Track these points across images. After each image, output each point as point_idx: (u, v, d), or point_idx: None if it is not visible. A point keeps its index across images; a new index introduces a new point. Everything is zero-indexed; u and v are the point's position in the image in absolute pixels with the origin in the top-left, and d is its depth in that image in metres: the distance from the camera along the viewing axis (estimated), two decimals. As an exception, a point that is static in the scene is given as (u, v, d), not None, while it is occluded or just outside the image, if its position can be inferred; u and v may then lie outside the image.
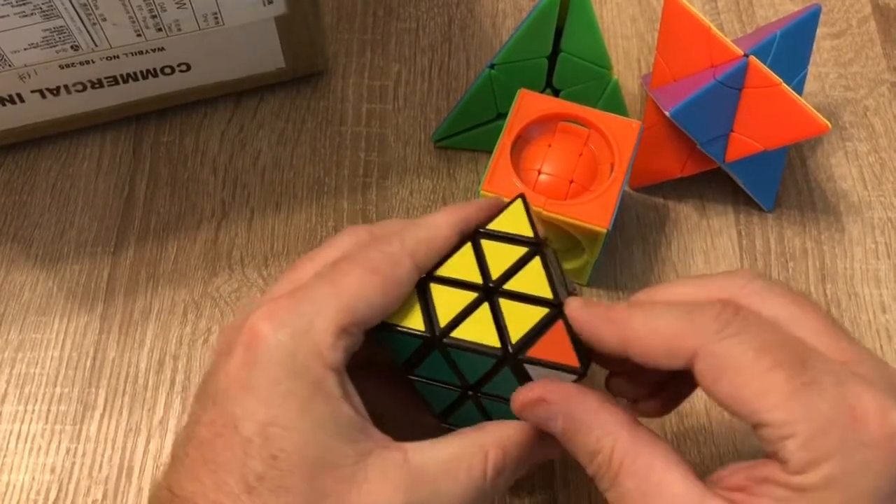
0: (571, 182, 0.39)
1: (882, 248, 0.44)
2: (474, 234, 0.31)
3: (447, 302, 0.29)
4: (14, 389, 0.40)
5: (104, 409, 0.40)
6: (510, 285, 0.30)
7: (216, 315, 0.42)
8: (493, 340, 0.29)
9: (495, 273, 0.30)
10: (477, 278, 0.30)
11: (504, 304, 0.29)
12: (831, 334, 0.26)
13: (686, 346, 0.25)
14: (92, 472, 0.38)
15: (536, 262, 0.30)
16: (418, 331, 0.29)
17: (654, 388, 0.31)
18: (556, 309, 0.29)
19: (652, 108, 0.44)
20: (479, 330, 0.29)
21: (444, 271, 0.30)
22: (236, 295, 0.43)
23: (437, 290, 0.30)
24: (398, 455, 0.27)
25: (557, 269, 0.31)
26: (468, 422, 0.30)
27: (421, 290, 0.30)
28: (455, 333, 0.29)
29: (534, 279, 0.30)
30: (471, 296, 0.29)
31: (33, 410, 0.40)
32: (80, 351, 0.41)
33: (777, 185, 0.46)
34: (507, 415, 0.29)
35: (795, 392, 0.24)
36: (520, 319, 0.29)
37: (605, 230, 0.37)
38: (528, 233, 0.30)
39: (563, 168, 0.39)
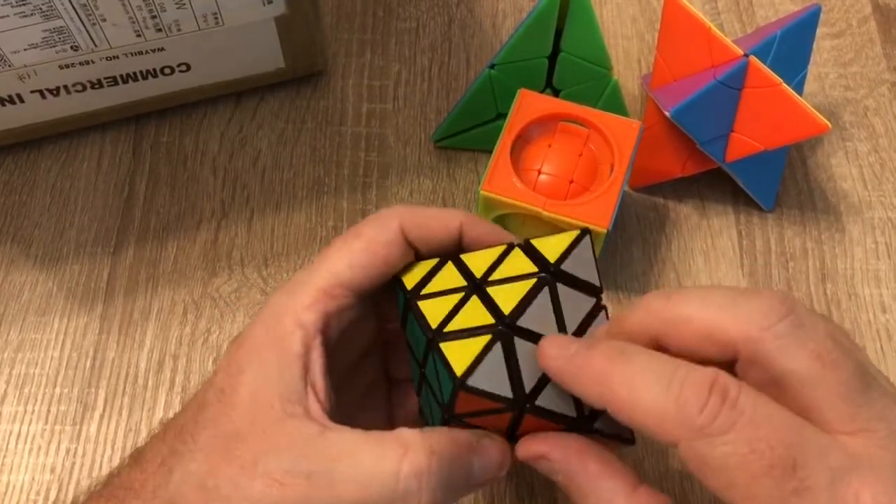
0: (571, 182, 0.39)
1: (882, 248, 0.44)
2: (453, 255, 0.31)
3: (445, 282, 0.30)
4: (14, 390, 0.40)
5: (104, 410, 0.40)
6: (494, 276, 0.29)
7: (216, 315, 0.42)
8: (485, 317, 0.28)
9: (480, 274, 0.30)
10: (461, 282, 0.30)
11: (493, 291, 0.29)
12: (848, 398, 0.23)
13: (670, 433, 0.23)
14: (92, 472, 0.38)
15: (517, 252, 0.30)
16: (404, 286, 0.30)
17: None
18: (545, 276, 0.28)
19: (652, 108, 0.44)
20: (471, 316, 0.28)
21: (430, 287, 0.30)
22: (236, 295, 0.43)
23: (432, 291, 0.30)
24: (315, 427, 0.26)
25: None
26: (429, 407, 0.30)
27: (438, 267, 0.30)
28: (423, 293, 0.29)
29: (517, 264, 0.29)
30: (459, 295, 0.29)
31: (33, 411, 0.40)
32: (79, 351, 0.41)
33: (777, 185, 0.46)
34: (438, 407, 0.29)
35: (784, 501, 0.22)
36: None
37: (605, 230, 0.37)
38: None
39: (563, 168, 0.39)
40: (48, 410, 0.40)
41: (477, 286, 0.29)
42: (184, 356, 0.41)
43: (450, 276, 0.30)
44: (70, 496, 0.38)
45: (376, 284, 0.30)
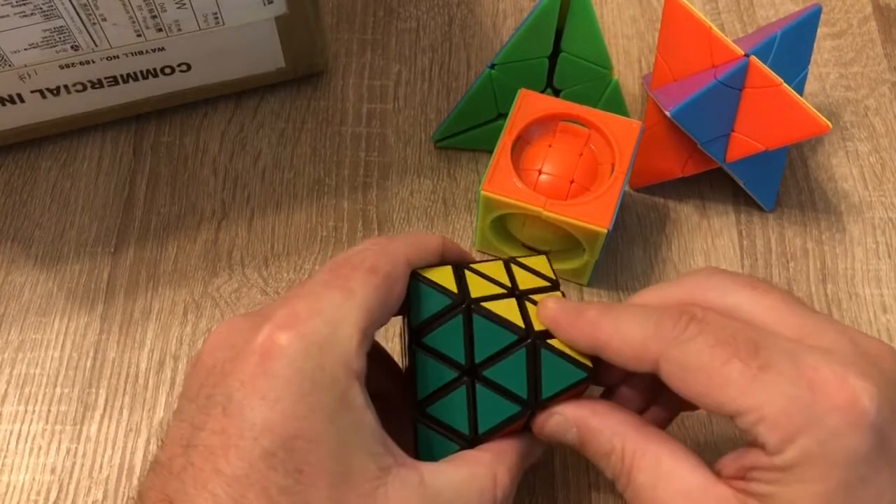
0: (572, 182, 0.39)
1: (883, 248, 0.44)
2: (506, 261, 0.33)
3: (479, 286, 0.31)
4: (14, 390, 0.40)
5: (104, 410, 0.40)
6: (534, 296, 0.31)
7: (216, 315, 0.42)
8: (517, 320, 0.30)
9: (522, 286, 0.32)
10: (506, 282, 0.32)
11: (529, 305, 0.31)
12: (790, 311, 0.27)
13: (650, 352, 0.27)
14: (92, 472, 0.38)
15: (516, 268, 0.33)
16: (451, 290, 0.30)
17: (651, 394, 0.32)
18: None
19: (652, 108, 0.44)
20: (505, 311, 0.30)
21: (478, 267, 0.32)
22: (236, 295, 0.43)
23: (470, 276, 0.31)
24: (415, 475, 0.27)
25: None
26: (446, 416, 0.30)
27: (455, 270, 0.31)
28: (484, 304, 0.30)
29: (528, 280, 0.32)
30: (500, 290, 0.31)
31: (33, 411, 0.40)
32: (80, 351, 0.41)
33: (778, 185, 0.45)
34: (493, 413, 0.29)
35: (754, 379, 0.25)
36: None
37: (605, 230, 0.37)
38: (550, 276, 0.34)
39: (564, 168, 0.39)
40: (48, 410, 0.40)
41: (518, 294, 0.31)
42: (184, 356, 0.41)
43: (496, 271, 0.32)
44: (70, 496, 0.38)
45: (387, 320, 0.29)
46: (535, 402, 0.29)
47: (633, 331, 0.28)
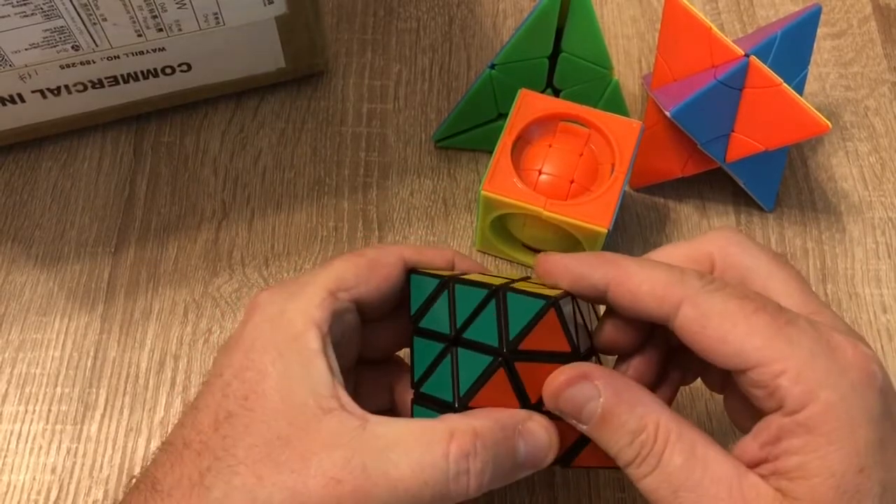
0: (572, 182, 0.39)
1: (883, 248, 0.44)
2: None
3: (477, 277, 0.31)
4: (15, 390, 0.40)
5: (105, 409, 0.40)
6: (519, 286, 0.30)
7: (217, 315, 0.42)
8: (496, 281, 0.30)
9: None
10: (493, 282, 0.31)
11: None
12: (800, 289, 0.28)
13: (672, 295, 0.26)
14: (93, 472, 0.38)
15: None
16: (440, 274, 0.31)
17: (661, 370, 0.31)
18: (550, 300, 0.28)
19: (652, 108, 0.44)
20: (488, 279, 0.30)
21: (477, 276, 0.32)
22: (237, 295, 0.43)
23: (468, 277, 0.31)
24: (356, 419, 0.26)
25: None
26: (437, 389, 0.30)
27: (454, 273, 0.31)
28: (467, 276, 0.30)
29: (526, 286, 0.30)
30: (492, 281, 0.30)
31: (34, 410, 0.40)
32: (80, 351, 0.41)
33: (777, 186, 0.46)
34: (471, 371, 0.28)
35: (779, 331, 0.25)
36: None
37: (605, 230, 0.37)
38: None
39: (564, 168, 0.39)
40: (49, 410, 0.40)
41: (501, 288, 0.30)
42: (185, 356, 0.41)
43: (484, 276, 0.32)
44: (71, 496, 0.38)
45: (375, 300, 0.30)
46: (506, 350, 0.28)
47: (657, 274, 0.27)
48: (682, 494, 0.25)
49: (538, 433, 0.28)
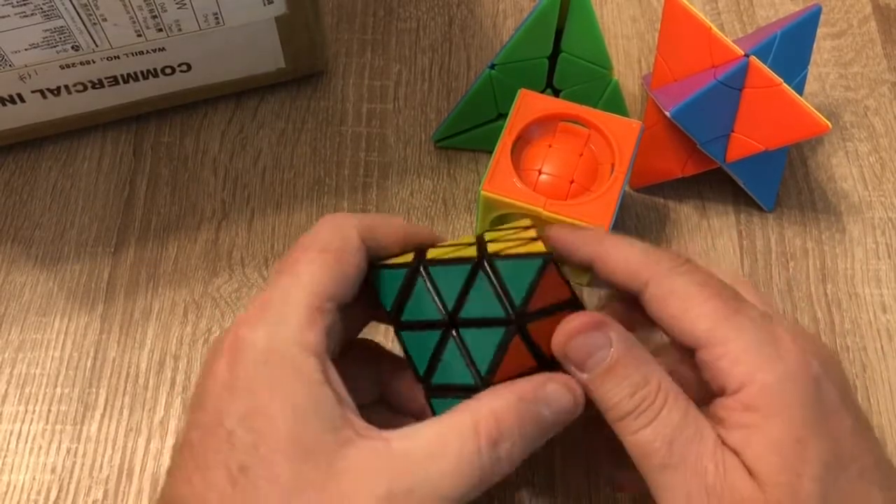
0: (572, 182, 0.39)
1: (883, 248, 0.44)
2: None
3: (439, 253, 0.30)
4: (14, 390, 0.40)
5: (104, 410, 0.40)
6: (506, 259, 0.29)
7: (216, 315, 0.42)
8: (470, 254, 0.29)
9: (492, 250, 0.30)
10: (472, 252, 0.29)
11: (491, 245, 0.30)
12: (759, 296, 0.31)
13: (643, 273, 0.29)
14: (92, 472, 0.38)
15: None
16: (406, 262, 0.29)
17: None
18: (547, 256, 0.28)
19: (652, 108, 0.44)
20: (459, 253, 0.29)
21: (444, 244, 0.31)
22: (237, 295, 0.43)
23: (432, 251, 0.30)
24: (380, 443, 0.26)
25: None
26: (450, 376, 0.29)
27: (416, 252, 0.31)
28: (434, 256, 0.29)
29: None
30: (464, 254, 0.29)
31: (34, 411, 0.40)
32: (80, 351, 0.41)
33: (777, 186, 0.46)
34: (485, 348, 0.28)
35: (728, 317, 0.27)
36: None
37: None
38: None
39: (564, 168, 0.39)
40: (49, 410, 0.40)
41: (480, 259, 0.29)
42: (185, 356, 0.41)
43: (441, 251, 0.31)
44: (71, 496, 0.38)
45: (348, 294, 0.29)
46: (517, 316, 0.27)
47: (634, 254, 0.30)
48: (676, 445, 0.26)
49: (559, 394, 0.28)
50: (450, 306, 0.29)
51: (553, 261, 0.28)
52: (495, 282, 0.28)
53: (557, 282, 0.29)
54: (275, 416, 0.25)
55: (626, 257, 0.30)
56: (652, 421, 0.27)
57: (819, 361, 0.27)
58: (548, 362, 0.29)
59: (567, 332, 0.28)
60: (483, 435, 0.26)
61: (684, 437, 0.27)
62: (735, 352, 0.27)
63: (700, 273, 0.29)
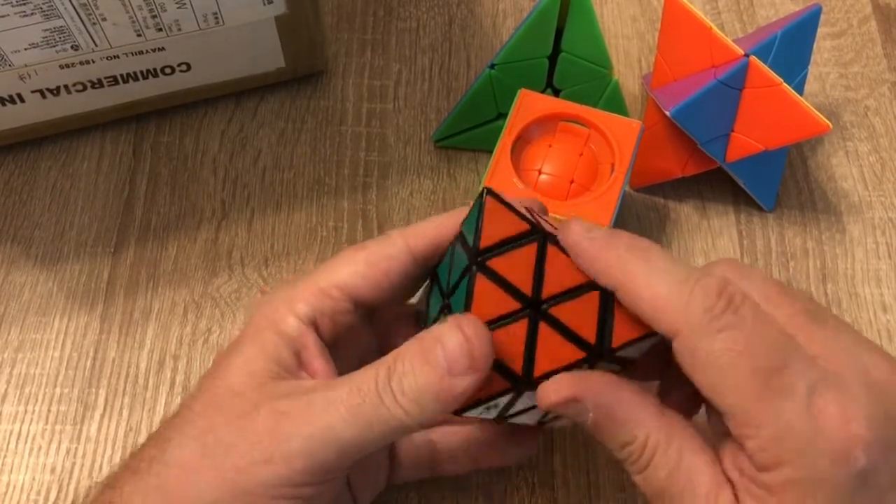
0: (572, 182, 0.39)
1: (883, 248, 0.44)
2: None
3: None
4: (14, 390, 0.40)
5: (104, 410, 0.40)
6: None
7: (216, 315, 0.42)
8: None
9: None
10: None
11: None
12: (809, 324, 0.26)
13: (672, 321, 0.25)
14: (92, 472, 0.38)
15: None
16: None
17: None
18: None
19: (652, 107, 0.44)
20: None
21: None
22: (236, 295, 0.43)
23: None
24: (308, 383, 0.28)
25: None
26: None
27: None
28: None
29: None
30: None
31: (33, 411, 0.40)
32: (80, 351, 0.41)
33: (778, 185, 0.46)
34: (459, 296, 0.28)
35: (765, 398, 0.24)
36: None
37: (605, 230, 0.37)
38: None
39: (564, 168, 0.39)
40: (48, 410, 0.40)
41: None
42: (184, 356, 0.41)
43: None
44: (70, 496, 0.38)
45: (377, 296, 0.30)
46: (472, 254, 0.27)
47: (662, 287, 0.25)
48: (666, 497, 0.26)
49: (450, 337, 0.26)
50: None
51: (491, 194, 0.28)
52: (456, 238, 0.29)
53: (503, 212, 0.28)
54: (241, 346, 0.29)
55: (651, 291, 0.26)
56: (641, 472, 0.27)
57: (876, 440, 0.24)
58: (529, 302, 0.28)
59: (547, 406, 0.27)
60: (382, 368, 0.27)
61: (672, 490, 0.26)
62: (763, 439, 0.24)
63: (744, 327, 0.25)
